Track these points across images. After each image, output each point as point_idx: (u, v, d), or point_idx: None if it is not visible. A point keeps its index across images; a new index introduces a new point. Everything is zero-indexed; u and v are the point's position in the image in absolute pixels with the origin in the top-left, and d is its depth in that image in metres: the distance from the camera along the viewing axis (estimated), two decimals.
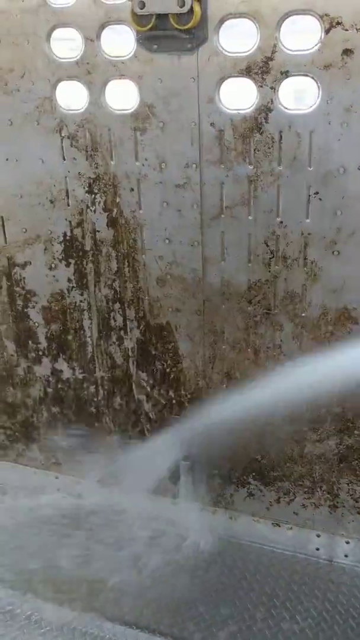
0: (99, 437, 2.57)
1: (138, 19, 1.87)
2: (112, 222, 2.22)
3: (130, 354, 2.39)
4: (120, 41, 2.00)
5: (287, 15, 1.76)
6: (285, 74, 1.82)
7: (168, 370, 2.35)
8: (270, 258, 2.05)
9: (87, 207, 2.23)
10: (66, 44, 2.09)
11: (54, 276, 2.40)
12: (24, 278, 2.45)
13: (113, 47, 2.01)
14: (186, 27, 1.83)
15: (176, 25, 1.83)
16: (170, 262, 2.19)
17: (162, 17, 1.84)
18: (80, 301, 2.39)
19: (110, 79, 2.03)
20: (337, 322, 2.04)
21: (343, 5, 1.70)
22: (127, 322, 2.35)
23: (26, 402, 2.67)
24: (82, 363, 2.49)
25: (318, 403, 2.12)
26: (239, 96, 1.97)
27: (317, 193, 1.92)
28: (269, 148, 1.92)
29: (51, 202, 2.27)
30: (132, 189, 2.14)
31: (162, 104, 1.99)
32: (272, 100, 1.86)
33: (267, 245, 2.04)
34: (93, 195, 2.21)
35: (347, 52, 1.74)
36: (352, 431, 2.17)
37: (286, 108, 1.86)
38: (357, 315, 2.01)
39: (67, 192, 2.24)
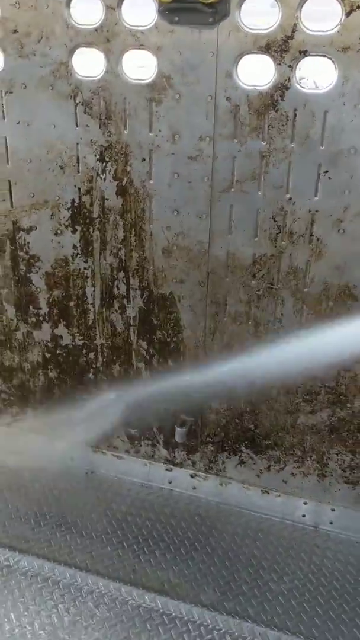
0: None
1: None
2: (122, 191, 2.25)
3: (132, 322, 2.44)
4: (141, 12, 2.02)
5: None
6: (304, 54, 1.87)
7: (169, 340, 2.41)
8: (277, 233, 2.11)
9: (97, 174, 2.26)
10: None
11: (59, 242, 2.42)
12: (28, 243, 2.47)
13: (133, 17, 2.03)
14: (209, 1, 1.86)
15: None
16: (177, 233, 2.24)
17: None
18: (85, 268, 2.43)
19: (129, 48, 2.05)
20: (338, 299, 2.12)
21: None
22: (131, 291, 2.39)
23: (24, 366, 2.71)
24: (82, 330, 2.53)
25: None
26: (253, 72, 2.02)
27: (326, 172, 1.98)
28: (283, 125, 1.97)
29: (61, 167, 2.29)
30: (143, 159, 2.18)
31: (179, 76, 2.02)
32: (289, 79, 1.91)
33: (275, 221, 2.10)
34: (104, 163, 2.23)
35: None
36: (344, 404, 2.27)
37: (302, 87, 1.91)
38: (358, 294, 2.10)
39: (77, 158, 2.26)
